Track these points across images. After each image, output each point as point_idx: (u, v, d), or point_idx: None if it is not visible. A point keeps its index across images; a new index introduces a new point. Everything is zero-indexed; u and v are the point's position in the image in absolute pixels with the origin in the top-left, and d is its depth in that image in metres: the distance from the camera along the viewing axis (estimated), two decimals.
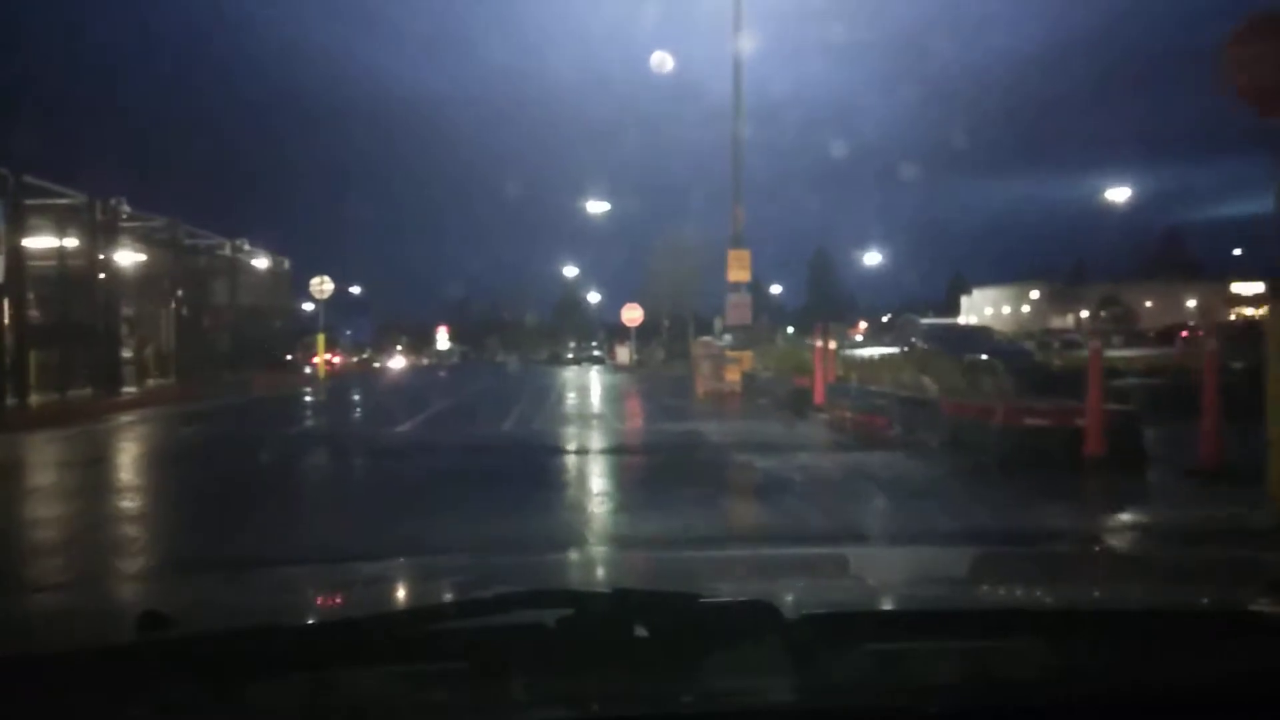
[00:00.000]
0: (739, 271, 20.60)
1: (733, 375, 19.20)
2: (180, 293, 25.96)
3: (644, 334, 47.01)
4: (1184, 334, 32.19)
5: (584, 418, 15.04)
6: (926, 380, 11.18)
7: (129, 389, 21.62)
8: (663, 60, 19.78)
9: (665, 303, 48.46)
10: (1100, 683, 1.14)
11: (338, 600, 1.74)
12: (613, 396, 21.88)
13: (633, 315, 43.09)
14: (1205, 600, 1.62)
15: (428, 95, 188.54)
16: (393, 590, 1.83)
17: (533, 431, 12.66)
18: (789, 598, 1.35)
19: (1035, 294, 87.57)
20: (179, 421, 14.70)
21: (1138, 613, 1.44)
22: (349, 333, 78.01)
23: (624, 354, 46.92)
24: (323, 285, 33.83)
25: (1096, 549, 4.56)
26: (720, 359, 19.91)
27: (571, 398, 20.85)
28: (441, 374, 42.11)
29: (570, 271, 75.96)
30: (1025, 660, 1.21)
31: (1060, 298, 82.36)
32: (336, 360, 58.75)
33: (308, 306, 35.66)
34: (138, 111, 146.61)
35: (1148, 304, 79.35)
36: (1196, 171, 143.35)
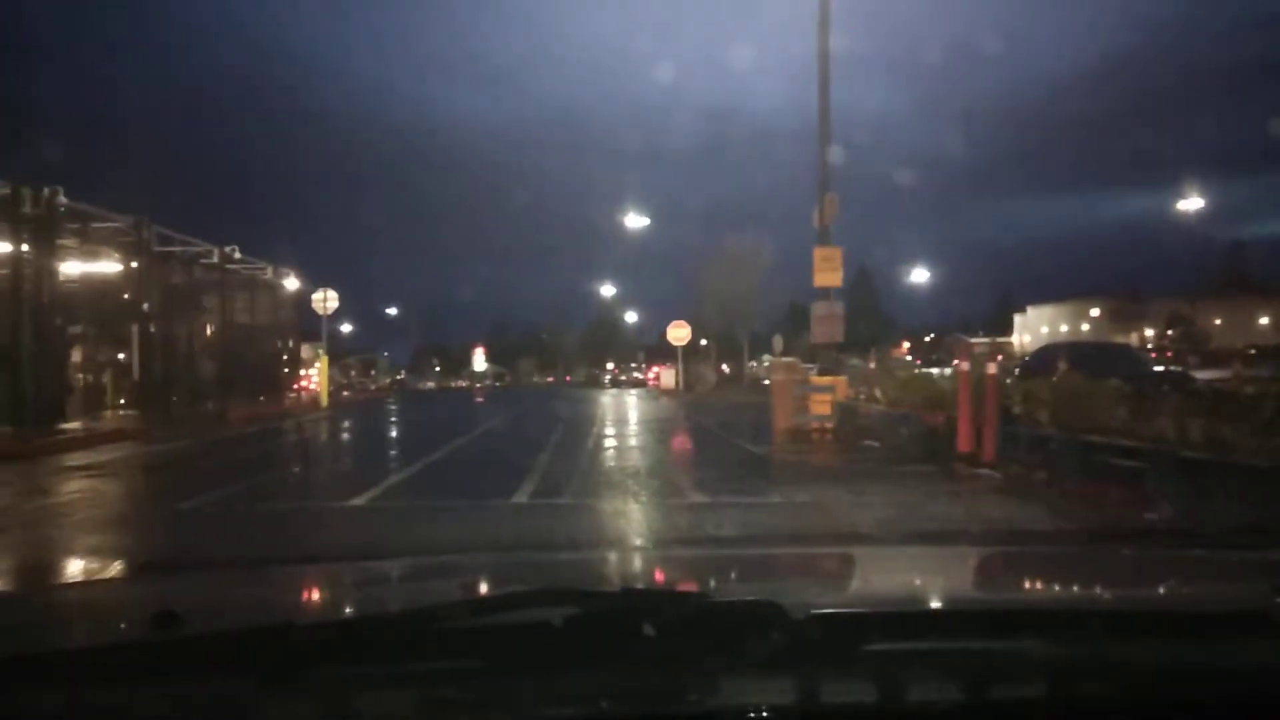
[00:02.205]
0: (828, 274, 15.88)
1: (822, 408, 14.56)
2: (147, 307, 21.58)
3: (686, 355, 42.09)
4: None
5: (635, 480, 10.03)
6: (1229, 432, 6.56)
7: (71, 425, 17.64)
8: None
9: (714, 320, 43.46)
10: (1104, 683, 1.13)
11: (348, 598, 1.76)
12: (668, 435, 17.11)
13: (679, 334, 38.55)
14: (1208, 600, 1.58)
15: (466, 121, 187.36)
16: (403, 589, 1.86)
17: (559, 512, 7.94)
18: (795, 597, 1.28)
19: (1095, 312, 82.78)
20: (62, 478, 10.40)
21: (1141, 613, 1.43)
22: (386, 354, 74.61)
23: (669, 377, 41.80)
24: (326, 300, 29.68)
25: (1101, 550, 3.94)
26: (806, 386, 15.23)
27: (612, 440, 16.09)
28: (479, 399, 39.47)
29: (608, 291, 71.19)
30: (1030, 660, 1.19)
31: (1122, 315, 78.03)
32: (372, 383, 55.33)
33: (346, 328, 31.47)
34: (180, 136, 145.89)
35: (1217, 321, 74.91)
36: (1253, 186, 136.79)
